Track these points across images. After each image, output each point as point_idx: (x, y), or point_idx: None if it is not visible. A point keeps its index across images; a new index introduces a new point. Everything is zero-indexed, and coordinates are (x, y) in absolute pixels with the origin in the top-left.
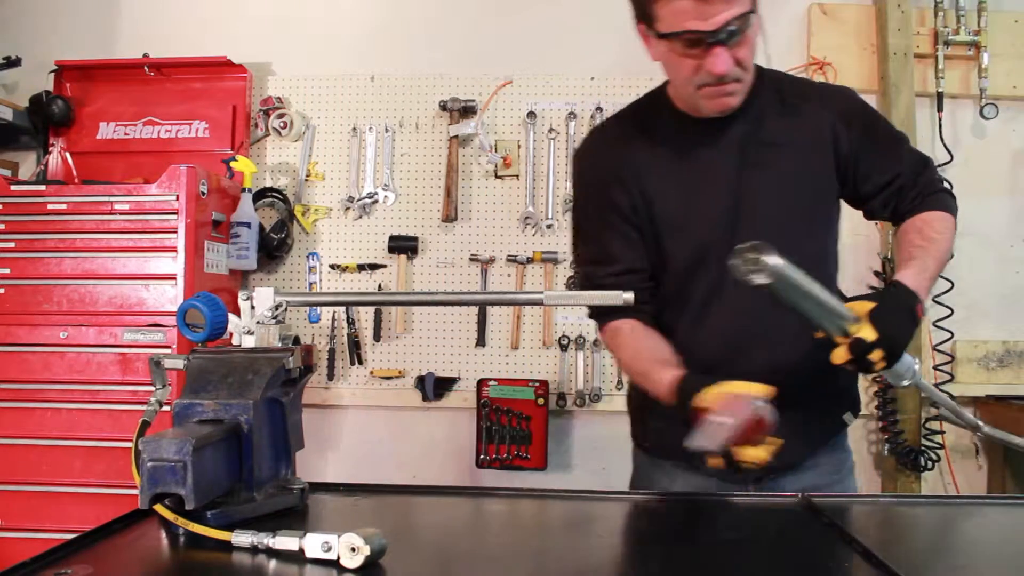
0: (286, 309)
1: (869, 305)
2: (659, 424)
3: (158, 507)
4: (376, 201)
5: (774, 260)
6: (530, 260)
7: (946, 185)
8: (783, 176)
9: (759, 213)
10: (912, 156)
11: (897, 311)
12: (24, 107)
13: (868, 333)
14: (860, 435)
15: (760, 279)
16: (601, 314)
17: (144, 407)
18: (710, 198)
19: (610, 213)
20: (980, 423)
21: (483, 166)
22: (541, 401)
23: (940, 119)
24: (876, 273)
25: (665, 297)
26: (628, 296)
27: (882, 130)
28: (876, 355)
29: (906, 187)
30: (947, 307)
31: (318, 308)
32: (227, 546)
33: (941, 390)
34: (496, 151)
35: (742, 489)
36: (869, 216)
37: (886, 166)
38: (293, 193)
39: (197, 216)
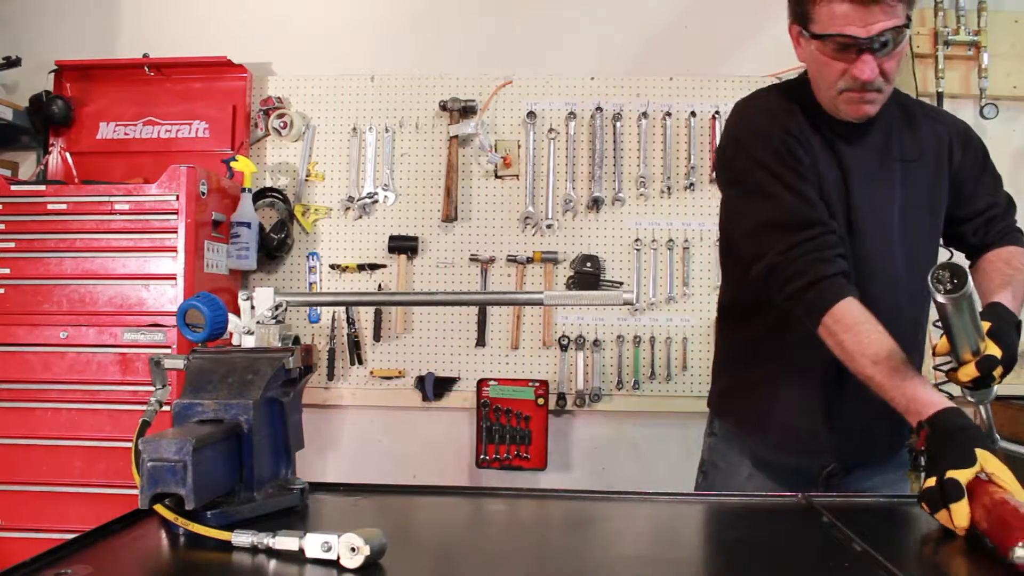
0: (286, 309)
1: (986, 324)
2: (756, 403)
3: (158, 507)
4: (376, 201)
5: (970, 284)
6: (530, 260)
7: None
8: (913, 186)
9: (894, 219)
10: (1006, 195)
11: (1011, 329)
12: (24, 107)
13: (995, 350)
14: None
15: (947, 298)
16: (817, 291)
17: (144, 407)
18: (854, 195)
19: (801, 166)
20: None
21: (483, 166)
22: (541, 401)
23: None
24: None
25: None
26: (628, 296)
27: (989, 163)
28: (999, 371)
29: (996, 219)
30: None
31: (318, 308)
32: (227, 546)
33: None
34: (496, 151)
35: (816, 479)
36: (952, 240)
37: (987, 195)
38: (293, 193)
39: (197, 216)
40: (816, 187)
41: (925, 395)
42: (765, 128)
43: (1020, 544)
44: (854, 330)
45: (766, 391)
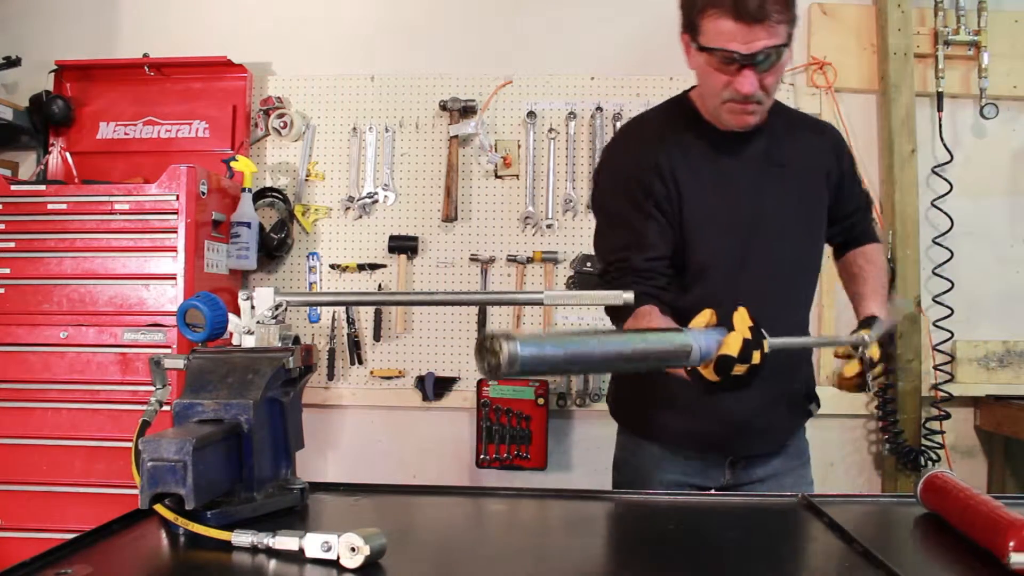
0: (286, 309)
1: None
2: (650, 410)
3: (158, 507)
4: (376, 201)
5: (511, 347)
6: (530, 260)
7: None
8: (792, 192)
9: (773, 224)
10: (865, 192)
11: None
12: (24, 107)
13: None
14: (860, 435)
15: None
16: (619, 310)
17: (144, 407)
18: (732, 205)
19: (647, 201)
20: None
21: (483, 166)
22: (541, 401)
23: (940, 119)
24: None
25: (679, 289)
26: (628, 296)
27: (855, 168)
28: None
29: (858, 218)
30: (947, 307)
31: (318, 308)
32: (227, 546)
33: (941, 391)
34: (496, 151)
35: (718, 471)
36: (827, 238)
37: (854, 199)
38: (293, 193)
39: (197, 216)
40: (666, 213)
41: None
42: (627, 161)
43: (1012, 546)
44: (633, 322)
45: (660, 397)
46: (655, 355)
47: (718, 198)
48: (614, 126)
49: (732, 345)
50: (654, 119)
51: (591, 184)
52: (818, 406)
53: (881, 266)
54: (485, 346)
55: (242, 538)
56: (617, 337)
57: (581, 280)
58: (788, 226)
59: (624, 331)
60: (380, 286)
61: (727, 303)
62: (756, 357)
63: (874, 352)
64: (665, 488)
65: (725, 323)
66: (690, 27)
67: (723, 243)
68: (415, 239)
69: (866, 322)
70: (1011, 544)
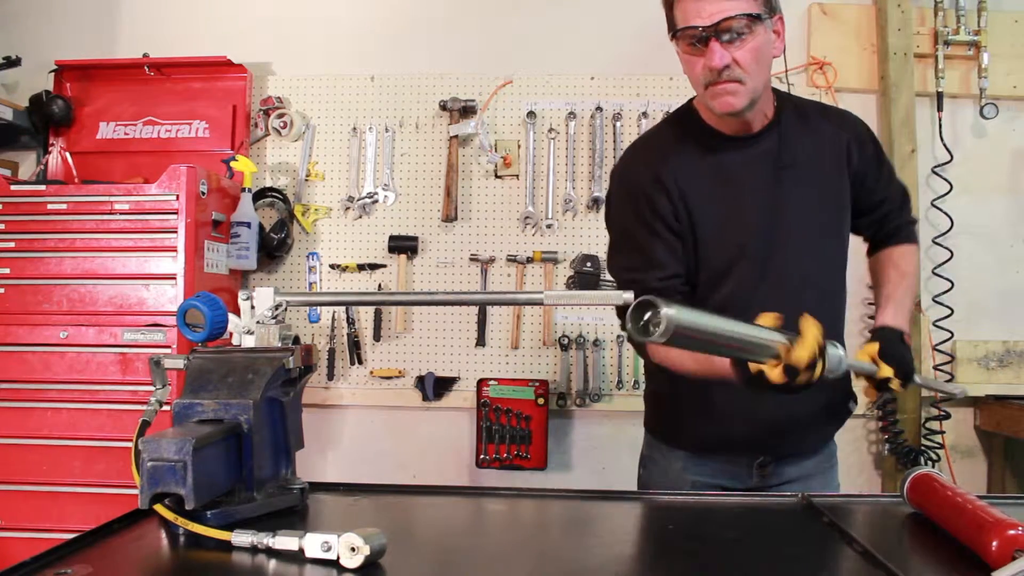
0: (286, 309)
1: (875, 345)
2: (679, 418)
3: (158, 507)
4: (376, 201)
5: (673, 315)
6: (530, 260)
7: (914, 215)
8: (809, 190)
9: (791, 224)
10: (899, 186)
11: (898, 346)
12: (24, 107)
13: (887, 370)
14: (860, 435)
15: (659, 339)
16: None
17: (144, 407)
18: (745, 210)
19: (655, 220)
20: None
21: (483, 166)
22: (541, 401)
23: (940, 119)
24: None
25: (697, 300)
26: (628, 296)
27: (884, 159)
28: (896, 383)
29: (891, 214)
30: (947, 307)
31: (318, 308)
32: (227, 546)
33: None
34: (496, 151)
35: (746, 473)
36: (854, 231)
37: (882, 190)
38: (293, 193)
39: (197, 216)
40: (675, 230)
41: (724, 365)
42: (633, 182)
43: (995, 546)
44: (681, 352)
45: (689, 399)
46: (756, 345)
47: (726, 204)
48: (614, 126)
49: (803, 353)
50: (658, 134)
51: (604, 202)
52: (855, 403)
53: (907, 271)
54: (641, 309)
55: (242, 538)
56: (742, 324)
57: (581, 280)
58: (807, 225)
59: (736, 320)
60: (380, 286)
61: (750, 309)
62: (819, 369)
63: (884, 369)
64: (691, 487)
65: (791, 328)
66: (670, 26)
67: (737, 249)
68: (415, 239)
69: (875, 335)
70: (994, 544)
